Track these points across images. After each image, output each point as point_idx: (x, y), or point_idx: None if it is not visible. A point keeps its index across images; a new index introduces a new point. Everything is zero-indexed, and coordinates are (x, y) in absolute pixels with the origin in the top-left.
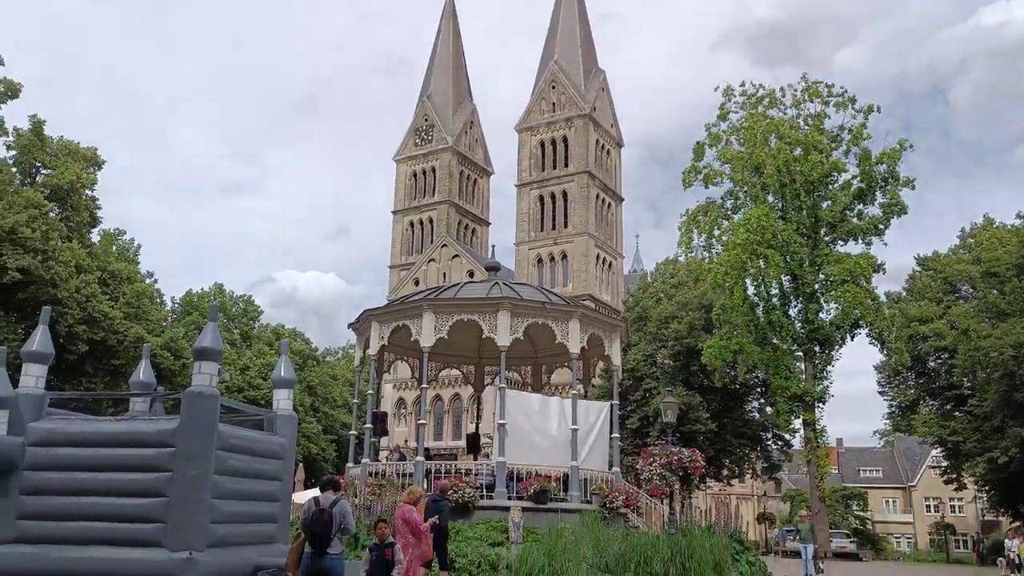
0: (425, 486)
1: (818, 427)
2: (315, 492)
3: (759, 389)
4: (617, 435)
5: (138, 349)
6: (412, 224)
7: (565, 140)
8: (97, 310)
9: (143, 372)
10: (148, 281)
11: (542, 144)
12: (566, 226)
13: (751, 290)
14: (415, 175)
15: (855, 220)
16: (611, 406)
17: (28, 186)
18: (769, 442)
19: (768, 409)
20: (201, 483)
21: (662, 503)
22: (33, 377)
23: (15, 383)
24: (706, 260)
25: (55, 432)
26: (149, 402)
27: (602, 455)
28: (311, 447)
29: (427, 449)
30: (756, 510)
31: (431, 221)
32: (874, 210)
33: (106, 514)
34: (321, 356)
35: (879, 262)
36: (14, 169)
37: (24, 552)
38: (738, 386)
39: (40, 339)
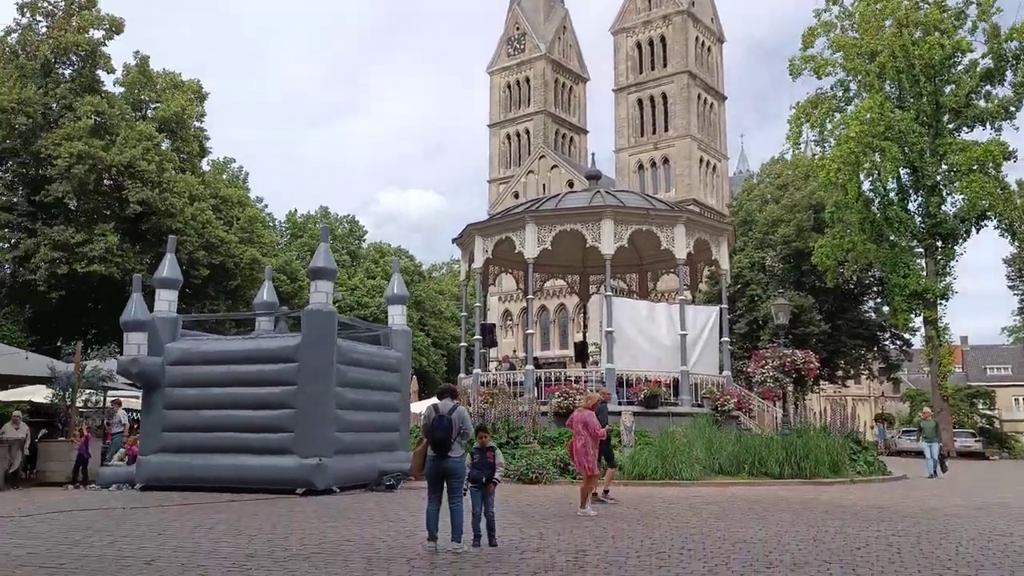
0: (535, 394)
1: (940, 325)
2: (431, 401)
3: (875, 288)
4: (727, 339)
5: (254, 271)
6: (509, 137)
7: (663, 39)
8: (214, 236)
9: (266, 293)
10: (258, 206)
11: (638, 45)
12: (667, 129)
13: (866, 185)
14: (509, 86)
15: (982, 104)
16: (720, 310)
17: (139, 120)
18: (887, 342)
19: (885, 308)
20: (325, 395)
21: (774, 405)
22: (166, 302)
23: (149, 308)
24: (817, 156)
25: (190, 352)
26: (273, 321)
27: (712, 359)
28: (421, 360)
29: (536, 358)
30: (873, 411)
31: (527, 132)
32: (1004, 91)
33: (240, 425)
34: (426, 272)
35: (1010, 149)
36: (126, 105)
37: (171, 460)
38: (852, 286)
39: (169, 266)
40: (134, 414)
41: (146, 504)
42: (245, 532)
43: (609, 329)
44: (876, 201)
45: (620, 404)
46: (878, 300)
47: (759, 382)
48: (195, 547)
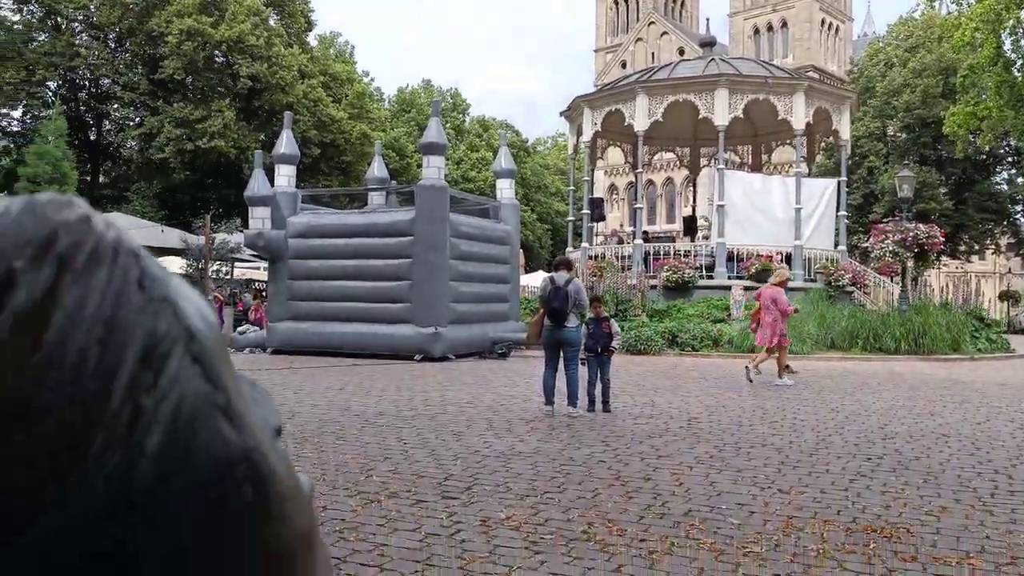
0: (643, 268)
1: None
2: (540, 274)
3: (1010, 159)
4: (844, 213)
5: (363, 147)
6: (616, 2)
7: None
8: (324, 113)
9: (376, 168)
10: (366, 81)
11: None
12: None
13: (1007, 46)
14: None
15: None
16: (838, 183)
17: None
18: (1018, 215)
19: (1020, 180)
20: (439, 267)
21: (891, 281)
22: (285, 177)
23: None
24: (952, 15)
25: (311, 225)
26: (385, 196)
27: (827, 234)
28: (527, 234)
29: (645, 232)
30: (998, 288)
31: None
32: None
33: (360, 296)
34: (531, 147)
35: None
36: None
37: (298, 327)
38: (984, 156)
39: (286, 142)
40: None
41: (279, 367)
42: (372, 393)
43: (721, 203)
44: (1018, 63)
45: (730, 278)
46: (1012, 171)
47: (876, 257)
48: (329, 405)
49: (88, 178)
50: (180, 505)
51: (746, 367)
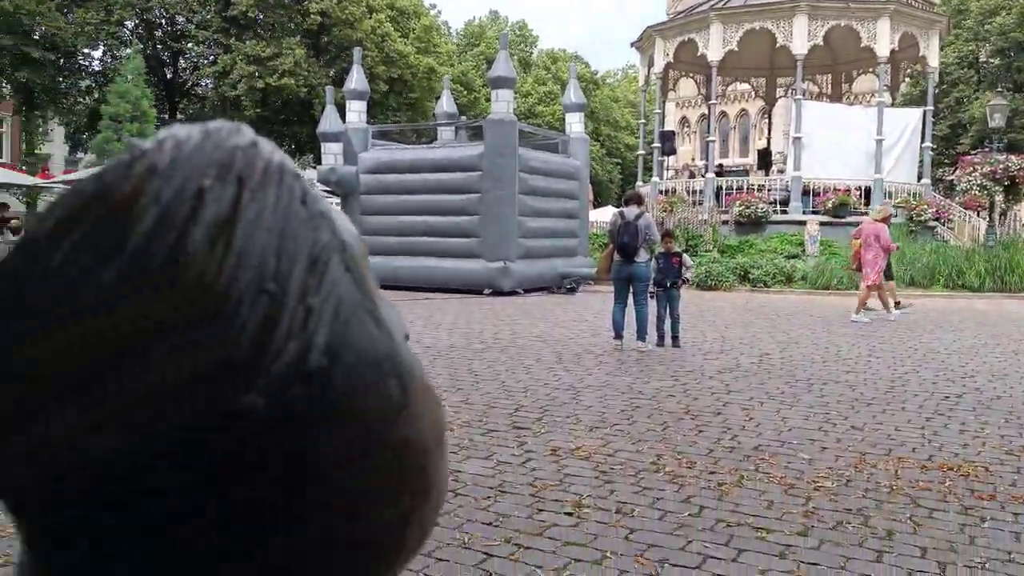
0: (715, 203)
1: None
2: (609, 209)
3: None
4: (929, 144)
5: (431, 81)
6: None
7: None
8: (392, 49)
9: (445, 103)
10: (432, 14)
11: None
12: None
13: None
14: None
15: None
16: (923, 113)
17: None
18: None
19: None
20: (508, 202)
21: (977, 216)
22: (356, 112)
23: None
24: None
25: (382, 161)
26: (454, 131)
27: (910, 167)
28: (596, 169)
29: (719, 165)
30: None
31: None
32: None
33: (430, 230)
34: (601, 79)
35: None
36: None
37: (371, 262)
38: None
39: (357, 77)
40: None
41: None
42: (442, 327)
43: (797, 135)
44: None
45: (805, 213)
46: None
47: (962, 190)
48: None
49: (166, 116)
50: (342, 393)
51: (854, 313)
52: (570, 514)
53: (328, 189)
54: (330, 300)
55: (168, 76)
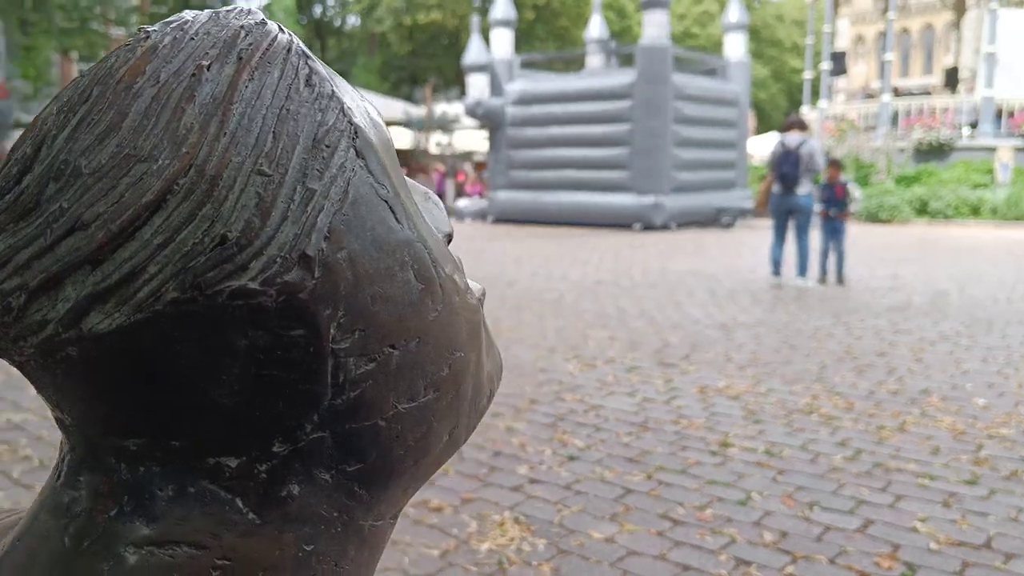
0: (890, 128)
1: None
2: (770, 137)
3: None
4: None
5: (579, 8)
6: None
7: None
8: None
9: (595, 28)
10: None
11: None
12: None
13: None
14: None
15: None
16: None
17: None
18: None
19: None
20: (661, 132)
21: None
22: (502, 43)
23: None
24: None
25: (529, 92)
26: (605, 58)
27: None
28: (758, 94)
29: (895, 88)
30: None
31: None
32: None
33: (579, 163)
34: None
35: None
36: None
37: (517, 197)
38: None
39: (503, 5)
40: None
41: (499, 236)
42: (590, 262)
43: (991, 49)
44: None
45: (996, 138)
46: None
47: None
48: (548, 273)
49: (320, 53)
50: (349, 280)
51: None
52: (715, 453)
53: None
54: (336, 184)
55: (316, 15)
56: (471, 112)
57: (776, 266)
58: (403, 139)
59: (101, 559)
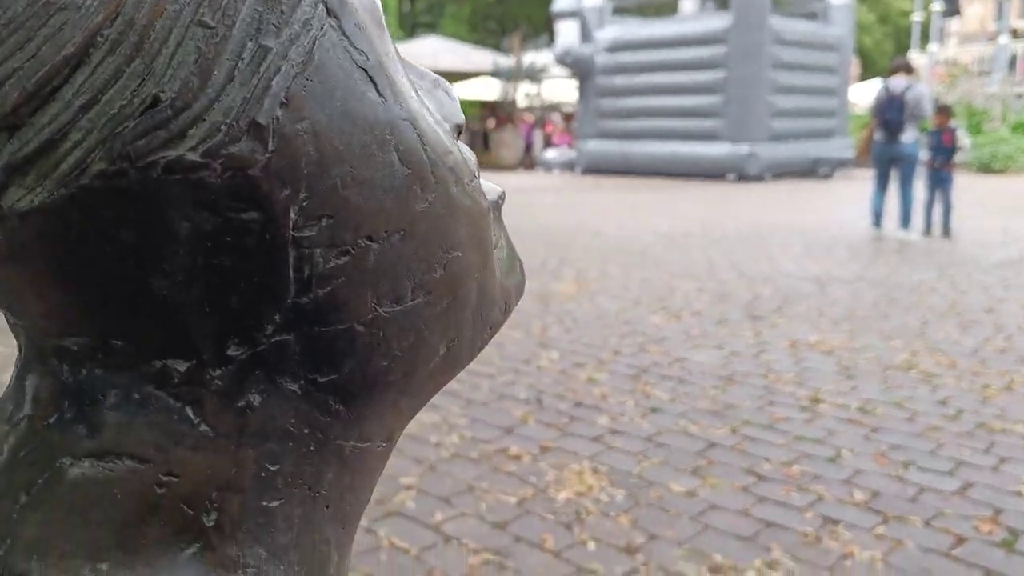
0: (1007, 72)
1: None
2: (874, 83)
3: None
4: None
5: None
6: None
7: None
8: None
9: None
10: None
11: None
12: None
13: None
14: None
15: None
16: None
17: None
18: None
19: None
20: (756, 79)
21: None
22: None
23: None
24: None
25: (618, 38)
26: (699, 1)
27: None
28: (863, 39)
29: (1013, 29)
30: None
31: None
32: None
33: (670, 112)
34: None
35: None
36: None
37: (606, 147)
38: None
39: None
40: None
41: (586, 187)
42: (679, 213)
43: None
44: None
45: None
46: None
47: None
48: (634, 224)
49: (409, 5)
50: (311, 157)
51: None
52: (804, 409)
53: (564, 72)
54: (298, 43)
55: None
56: (560, 60)
57: (877, 218)
58: (491, 90)
59: (37, 471)
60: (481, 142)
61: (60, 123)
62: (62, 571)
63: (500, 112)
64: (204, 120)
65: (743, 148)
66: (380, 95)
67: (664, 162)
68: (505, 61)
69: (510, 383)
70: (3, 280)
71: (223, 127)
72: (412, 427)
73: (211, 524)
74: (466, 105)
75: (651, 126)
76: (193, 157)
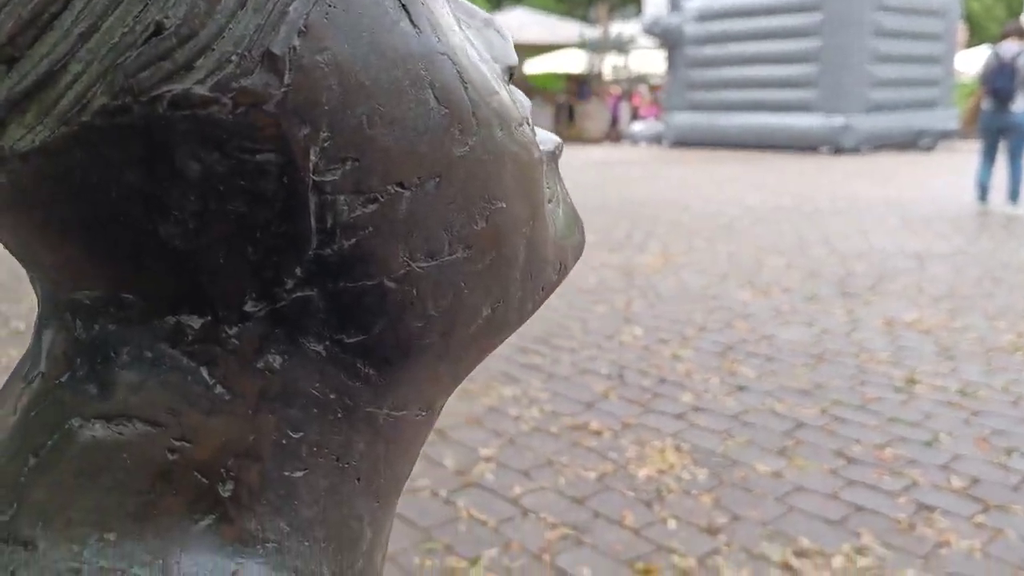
0: None
1: None
2: (982, 50)
3: None
4: None
5: None
6: None
7: None
8: None
9: None
10: None
11: None
12: None
13: None
14: None
15: None
16: None
17: None
18: None
19: None
20: (854, 47)
21: None
22: None
23: None
24: None
25: (709, 7)
26: None
27: None
28: (972, 3)
29: None
30: None
31: None
32: None
33: (761, 82)
34: None
35: None
36: None
37: (695, 119)
38: None
39: None
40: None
41: (673, 160)
42: (769, 187)
43: None
44: None
45: None
46: None
47: None
48: (723, 198)
49: None
50: (334, 92)
51: None
52: (899, 390)
53: (653, 43)
54: None
55: None
56: (648, 31)
57: (983, 191)
58: (577, 62)
59: (46, 432)
60: (566, 115)
61: (59, 54)
62: (68, 539)
63: (585, 85)
64: (212, 50)
65: (838, 119)
66: (415, 26)
67: (754, 134)
68: (592, 32)
69: (592, 358)
70: (11, 229)
71: (234, 58)
72: (492, 399)
73: (227, 495)
74: (551, 78)
75: (741, 97)
76: (201, 91)
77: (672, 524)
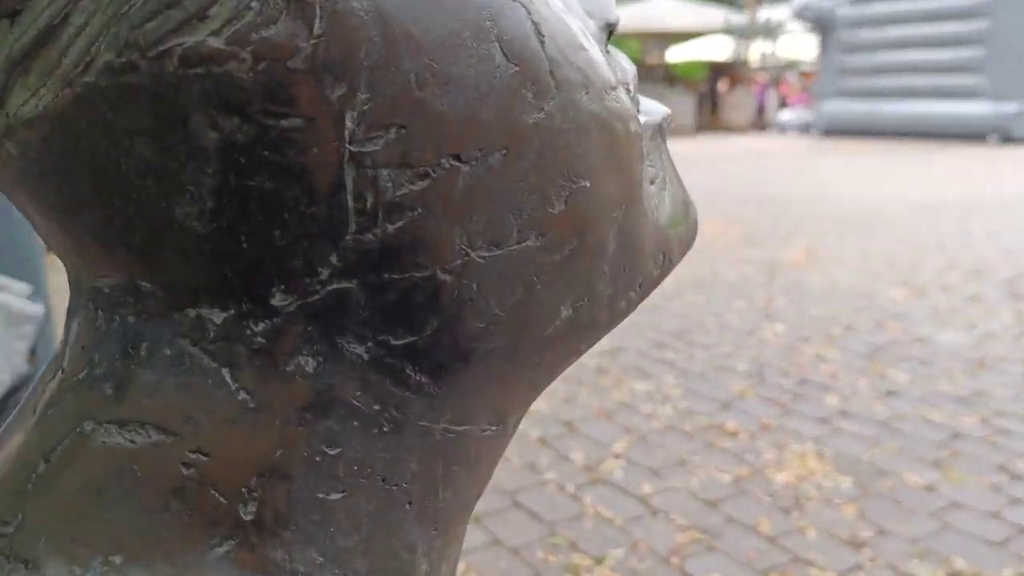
0: None
1: None
2: None
3: None
4: None
5: None
6: None
7: None
8: None
9: None
10: None
11: None
12: None
13: None
14: None
15: None
16: None
17: None
18: None
19: None
20: None
21: None
22: None
23: None
24: None
25: None
26: None
27: None
28: None
29: None
30: None
31: None
32: None
33: (922, 67)
34: None
35: None
36: None
37: (849, 107)
38: None
39: None
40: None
41: (824, 150)
42: (931, 180)
43: None
44: None
45: None
46: None
47: None
48: (879, 192)
49: None
50: (374, 42)
51: None
52: None
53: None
54: None
55: None
56: (799, 15)
57: None
58: (723, 49)
59: (59, 434)
60: (709, 104)
61: (60, 3)
62: (70, 559)
63: (732, 73)
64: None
65: (1010, 106)
66: None
67: (914, 123)
68: (738, 18)
69: (729, 355)
70: (25, 207)
71: (254, 4)
72: (623, 394)
73: (250, 518)
74: (695, 66)
75: (900, 83)
76: (216, 44)
77: (811, 534)
